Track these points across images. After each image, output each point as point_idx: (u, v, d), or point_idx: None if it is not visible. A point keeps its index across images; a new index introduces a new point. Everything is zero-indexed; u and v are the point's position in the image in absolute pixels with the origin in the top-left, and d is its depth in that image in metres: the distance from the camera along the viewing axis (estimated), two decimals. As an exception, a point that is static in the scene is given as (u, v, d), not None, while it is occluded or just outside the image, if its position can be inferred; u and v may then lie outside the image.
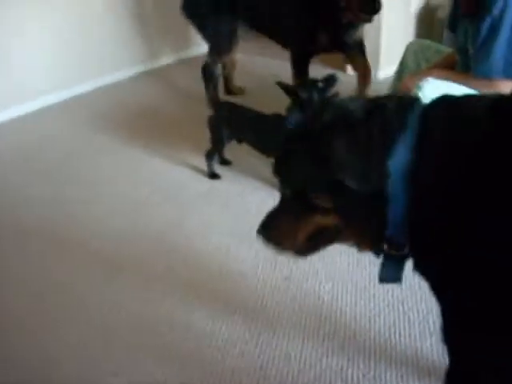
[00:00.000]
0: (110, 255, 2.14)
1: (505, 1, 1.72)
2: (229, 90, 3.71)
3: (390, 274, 1.04)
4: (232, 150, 2.72)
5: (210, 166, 2.68)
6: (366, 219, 0.97)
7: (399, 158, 0.88)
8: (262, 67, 4.04)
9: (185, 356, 1.65)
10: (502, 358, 0.86)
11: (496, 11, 1.74)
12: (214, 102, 3.31)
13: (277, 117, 2.47)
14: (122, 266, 2.07)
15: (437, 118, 0.90)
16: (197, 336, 1.72)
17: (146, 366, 1.62)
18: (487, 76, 1.83)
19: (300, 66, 3.07)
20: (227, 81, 3.70)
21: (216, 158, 2.72)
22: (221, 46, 3.32)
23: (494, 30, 1.76)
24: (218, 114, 2.61)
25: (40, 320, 1.85)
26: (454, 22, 2.07)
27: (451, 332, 0.94)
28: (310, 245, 1.09)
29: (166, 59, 4.61)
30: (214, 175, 2.68)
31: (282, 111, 2.33)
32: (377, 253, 1.04)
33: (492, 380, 0.89)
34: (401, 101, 0.97)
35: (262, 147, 2.54)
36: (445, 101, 0.95)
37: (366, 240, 1.03)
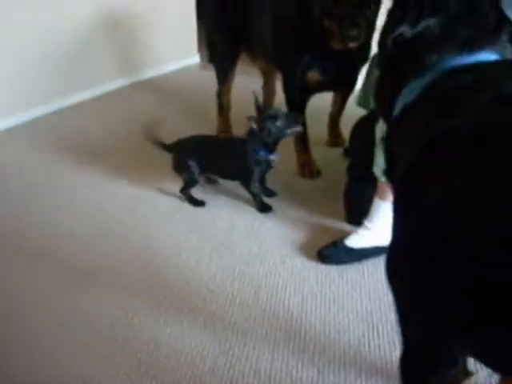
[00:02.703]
0: (80, 270, 2.11)
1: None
2: None
3: None
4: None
5: (188, 197, 2.60)
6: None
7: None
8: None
9: (155, 374, 1.63)
10: None
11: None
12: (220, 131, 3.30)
13: (238, 141, 2.49)
14: (91, 282, 2.05)
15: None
16: (167, 353, 1.70)
17: (115, 385, 1.60)
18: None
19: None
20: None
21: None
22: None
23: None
24: (183, 152, 2.53)
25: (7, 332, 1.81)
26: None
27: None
28: None
29: (120, 82, 4.48)
30: (197, 202, 2.59)
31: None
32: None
33: None
34: None
35: (227, 173, 2.56)
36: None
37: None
